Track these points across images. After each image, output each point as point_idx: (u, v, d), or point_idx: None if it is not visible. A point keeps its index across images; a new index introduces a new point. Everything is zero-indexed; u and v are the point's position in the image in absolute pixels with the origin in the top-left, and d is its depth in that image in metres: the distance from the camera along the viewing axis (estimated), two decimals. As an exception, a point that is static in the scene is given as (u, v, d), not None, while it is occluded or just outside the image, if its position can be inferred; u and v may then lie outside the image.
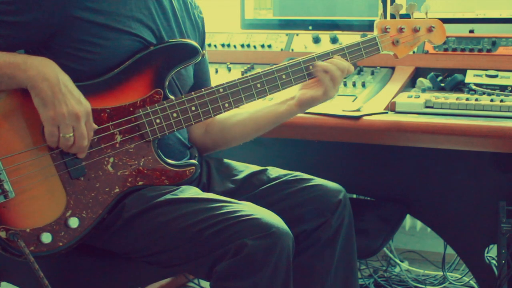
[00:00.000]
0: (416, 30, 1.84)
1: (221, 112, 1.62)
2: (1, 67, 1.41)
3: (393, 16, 1.85)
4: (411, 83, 2.18)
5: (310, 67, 1.70)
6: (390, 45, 1.82)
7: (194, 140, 1.84)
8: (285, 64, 1.69)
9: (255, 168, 1.81)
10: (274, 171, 1.79)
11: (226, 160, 1.86)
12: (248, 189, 1.75)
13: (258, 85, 1.65)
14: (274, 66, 1.69)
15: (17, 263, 1.48)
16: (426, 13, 1.86)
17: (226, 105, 1.62)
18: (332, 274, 1.71)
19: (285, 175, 1.76)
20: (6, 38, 1.45)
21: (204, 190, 1.71)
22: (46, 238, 1.46)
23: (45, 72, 1.41)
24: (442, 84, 2.10)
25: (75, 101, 1.43)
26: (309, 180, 1.74)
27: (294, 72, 1.69)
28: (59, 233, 1.47)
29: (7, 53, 1.43)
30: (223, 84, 1.62)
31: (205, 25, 1.84)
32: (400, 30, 1.83)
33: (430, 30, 1.86)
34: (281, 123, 1.80)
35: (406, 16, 1.86)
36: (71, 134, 1.43)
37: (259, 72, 1.66)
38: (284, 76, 1.68)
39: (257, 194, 1.73)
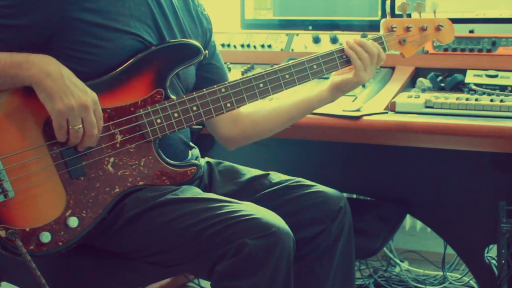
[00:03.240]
0: (423, 29, 1.83)
1: (223, 112, 1.61)
2: (3, 67, 1.40)
3: (399, 15, 1.84)
4: (411, 83, 2.18)
5: (314, 66, 1.69)
6: (397, 44, 1.81)
7: (221, 134, 1.83)
8: (288, 64, 1.67)
9: (257, 172, 1.80)
10: (276, 176, 1.78)
11: (228, 163, 1.85)
12: (250, 193, 1.74)
13: (261, 85, 1.64)
14: (277, 66, 1.67)
15: (17, 263, 1.48)
16: (434, 12, 1.85)
17: (228, 105, 1.61)
18: (330, 281, 1.71)
19: (286, 181, 1.75)
20: (5, 41, 1.44)
21: (205, 191, 1.70)
22: (46, 237, 1.45)
23: (48, 68, 1.41)
24: (442, 84, 2.10)
25: (81, 92, 1.43)
26: (310, 186, 1.74)
27: (298, 72, 1.68)
28: (58, 233, 1.47)
29: (7, 53, 1.42)
30: (224, 83, 1.61)
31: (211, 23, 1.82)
32: (407, 29, 1.81)
33: (438, 29, 1.84)
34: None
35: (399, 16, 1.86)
36: (80, 126, 1.43)
37: (261, 72, 1.65)
38: (287, 76, 1.67)
39: (258, 198, 1.71)
